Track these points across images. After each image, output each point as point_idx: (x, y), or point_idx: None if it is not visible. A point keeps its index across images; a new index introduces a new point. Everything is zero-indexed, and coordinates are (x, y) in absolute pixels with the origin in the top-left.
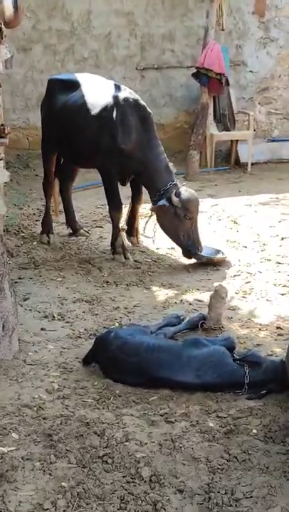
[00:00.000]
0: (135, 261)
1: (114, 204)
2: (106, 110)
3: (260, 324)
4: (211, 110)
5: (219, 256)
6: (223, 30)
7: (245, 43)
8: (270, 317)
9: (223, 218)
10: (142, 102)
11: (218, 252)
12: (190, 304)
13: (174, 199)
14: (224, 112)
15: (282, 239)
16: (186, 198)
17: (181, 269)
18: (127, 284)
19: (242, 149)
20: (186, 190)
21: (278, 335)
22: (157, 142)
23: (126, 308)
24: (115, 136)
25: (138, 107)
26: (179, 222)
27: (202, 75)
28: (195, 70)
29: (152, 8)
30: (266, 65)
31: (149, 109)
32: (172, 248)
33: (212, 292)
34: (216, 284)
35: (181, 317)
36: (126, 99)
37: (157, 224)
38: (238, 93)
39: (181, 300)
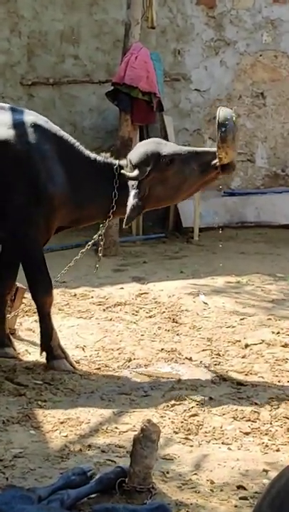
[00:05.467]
0: (18, 384)
1: (43, 284)
2: (11, 146)
3: (213, 483)
4: None
5: None
6: (153, 27)
7: (188, 47)
8: (228, 471)
9: (155, 314)
10: (51, 123)
11: None
12: (103, 451)
13: (132, 174)
14: None
15: (247, 346)
16: (135, 156)
17: (90, 395)
18: (4, 422)
19: (185, 208)
20: (130, 153)
21: (240, 498)
22: (83, 158)
23: (1, 460)
24: (37, 181)
25: (53, 131)
26: (172, 173)
27: (122, 94)
28: (111, 88)
29: None
30: (220, 80)
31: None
32: (77, 362)
33: (136, 433)
34: (143, 419)
35: (89, 473)
36: (35, 124)
37: None
38: (179, 122)
39: (89, 445)
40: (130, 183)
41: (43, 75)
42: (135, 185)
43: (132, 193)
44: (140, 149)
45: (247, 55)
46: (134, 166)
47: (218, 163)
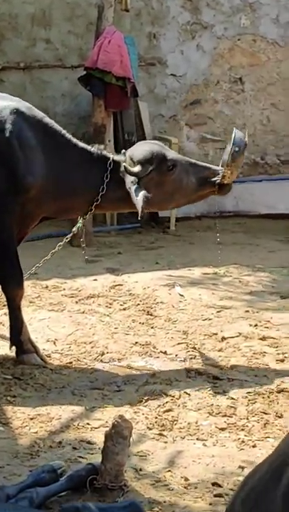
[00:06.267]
0: None
1: (14, 276)
2: None
3: (187, 480)
4: (110, 135)
5: None
6: (127, 10)
7: (164, 30)
8: (203, 468)
9: (129, 306)
10: (35, 109)
11: None
12: (74, 448)
13: (134, 169)
14: (131, 138)
15: (223, 339)
16: (140, 153)
17: (61, 390)
18: None
19: None
20: (131, 149)
21: (215, 496)
22: (71, 147)
23: None
24: (16, 169)
25: (37, 118)
26: (170, 179)
27: (95, 79)
28: (84, 72)
29: None
30: (197, 64)
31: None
32: (48, 356)
33: (108, 429)
34: (115, 414)
35: (59, 470)
36: (17, 111)
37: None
38: (154, 108)
39: (60, 442)
40: (129, 178)
41: (14, 59)
42: (135, 182)
43: (134, 187)
44: (145, 147)
45: (224, 39)
46: (136, 163)
47: (218, 181)
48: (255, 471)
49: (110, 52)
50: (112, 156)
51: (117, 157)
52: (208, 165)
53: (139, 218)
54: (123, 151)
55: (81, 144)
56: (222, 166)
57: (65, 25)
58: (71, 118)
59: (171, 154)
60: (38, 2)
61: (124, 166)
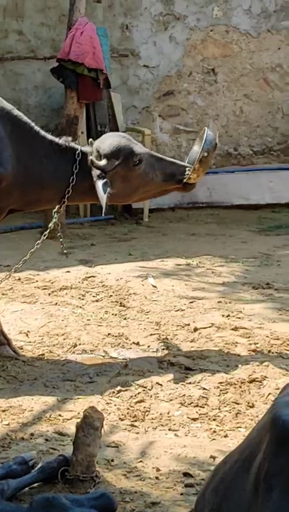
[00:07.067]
0: None
1: None
2: None
3: (158, 470)
4: (82, 126)
5: None
6: (99, 1)
7: (136, 21)
8: (175, 458)
9: (102, 298)
10: (4, 101)
11: None
12: (46, 439)
13: (100, 163)
14: (104, 130)
15: (196, 330)
16: (106, 147)
17: (34, 382)
18: None
19: None
20: (98, 141)
21: (186, 486)
22: (40, 139)
23: None
24: None
25: (5, 110)
26: (136, 174)
27: (67, 71)
28: (56, 64)
29: None
30: (169, 56)
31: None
32: (20, 348)
33: (80, 420)
34: (86, 405)
35: (31, 462)
36: None
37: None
38: (127, 100)
39: (32, 434)
40: (95, 172)
41: None
42: (101, 176)
43: (100, 182)
44: (112, 141)
45: (197, 30)
46: (103, 156)
47: (184, 181)
48: (225, 461)
49: (82, 44)
50: (80, 147)
51: (85, 148)
52: (174, 160)
53: (102, 216)
54: (91, 140)
55: (49, 136)
56: (189, 166)
57: (37, 17)
58: (44, 110)
59: (138, 148)
60: None
61: (91, 160)
